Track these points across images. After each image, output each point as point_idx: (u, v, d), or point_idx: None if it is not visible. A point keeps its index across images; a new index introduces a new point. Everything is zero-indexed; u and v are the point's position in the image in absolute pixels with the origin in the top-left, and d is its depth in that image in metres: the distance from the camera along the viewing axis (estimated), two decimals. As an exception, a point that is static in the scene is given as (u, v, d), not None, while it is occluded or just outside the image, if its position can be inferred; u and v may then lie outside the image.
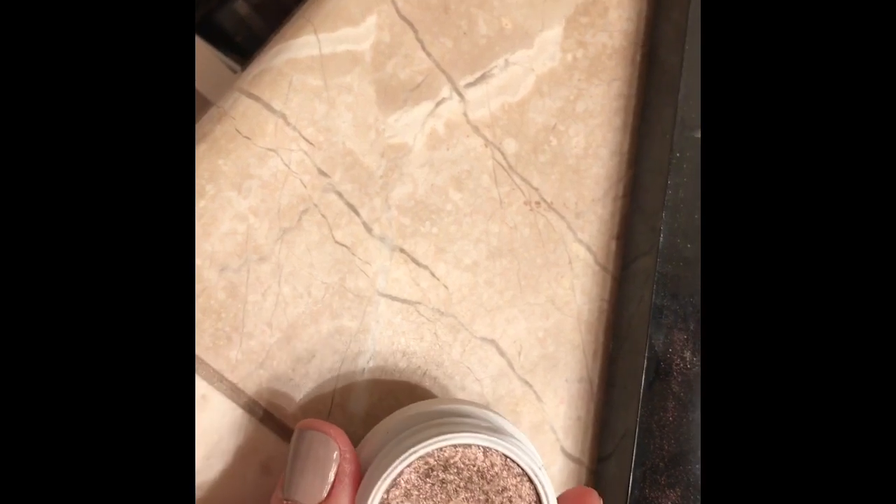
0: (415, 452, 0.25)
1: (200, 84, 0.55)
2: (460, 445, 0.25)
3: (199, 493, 0.27)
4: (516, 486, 0.26)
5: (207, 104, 0.53)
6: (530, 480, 0.26)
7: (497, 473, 0.26)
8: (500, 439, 0.25)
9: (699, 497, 0.33)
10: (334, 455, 0.25)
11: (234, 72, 0.58)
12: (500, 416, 0.29)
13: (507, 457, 0.26)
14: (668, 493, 0.32)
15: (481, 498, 0.26)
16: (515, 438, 0.27)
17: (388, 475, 0.24)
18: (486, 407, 0.29)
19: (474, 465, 0.26)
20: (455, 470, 0.25)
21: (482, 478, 0.26)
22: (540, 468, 0.26)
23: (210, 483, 0.28)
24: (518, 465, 0.26)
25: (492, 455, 0.26)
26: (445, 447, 0.25)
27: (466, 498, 0.26)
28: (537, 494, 0.26)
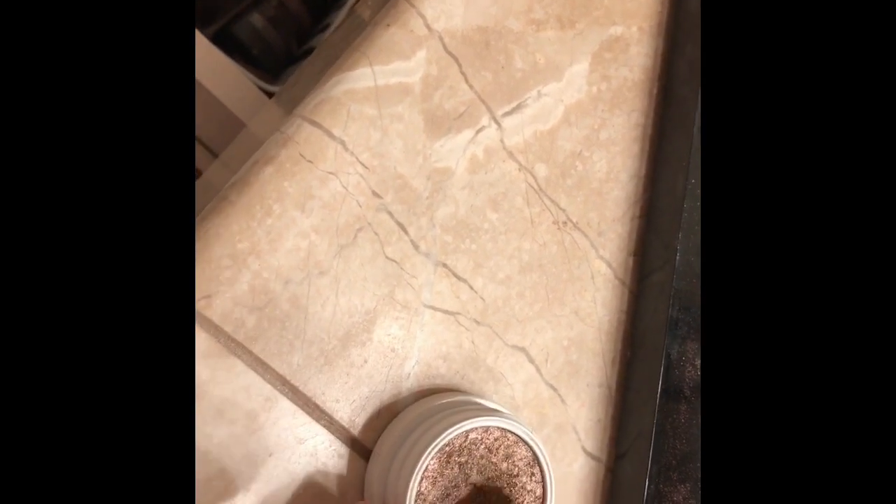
0: (435, 446, 0.29)
1: (220, 93, 0.58)
2: (469, 430, 0.29)
3: (256, 480, 0.30)
4: (517, 451, 0.31)
5: (224, 110, 0.56)
6: (525, 444, 0.31)
7: (500, 445, 0.30)
8: (498, 418, 0.30)
9: (706, 492, 0.36)
10: None
11: (251, 82, 0.61)
12: (487, 398, 0.33)
13: (504, 429, 0.30)
14: (679, 487, 0.35)
15: (491, 469, 0.30)
16: (507, 413, 0.32)
17: (418, 470, 0.28)
18: (474, 393, 0.33)
19: (483, 444, 0.30)
20: (467, 452, 0.30)
21: (489, 451, 0.30)
22: (532, 432, 0.31)
23: (267, 477, 0.30)
24: (515, 434, 0.30)
25: (493, 431, 0.30)
26: (458, 435, 0.29)
27: (480, 471, 0.30)
28: (534, 453, 0.31)
